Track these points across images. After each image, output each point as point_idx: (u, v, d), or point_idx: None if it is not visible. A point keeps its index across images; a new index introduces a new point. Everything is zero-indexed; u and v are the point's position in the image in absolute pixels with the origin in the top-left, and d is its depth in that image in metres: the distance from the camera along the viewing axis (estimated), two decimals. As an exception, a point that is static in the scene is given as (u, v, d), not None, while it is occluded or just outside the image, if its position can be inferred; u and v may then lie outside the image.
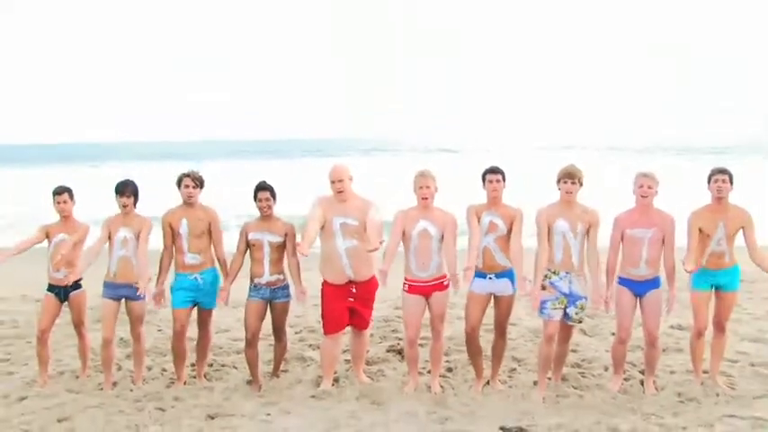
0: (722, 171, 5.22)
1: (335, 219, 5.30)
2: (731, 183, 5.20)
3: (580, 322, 5.37)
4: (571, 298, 5.21)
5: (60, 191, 5.68)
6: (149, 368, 5.98)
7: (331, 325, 5.44)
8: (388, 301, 5.56)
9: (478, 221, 5.27)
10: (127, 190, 5.53)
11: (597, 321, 7.23)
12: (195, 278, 5.54)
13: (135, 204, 5.60)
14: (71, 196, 5.69)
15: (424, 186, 5.25)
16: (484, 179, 5.31)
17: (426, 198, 5.25)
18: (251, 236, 5.51)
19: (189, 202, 5.55)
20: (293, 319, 6.94)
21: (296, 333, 7.01)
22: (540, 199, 5.47)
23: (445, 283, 5.35)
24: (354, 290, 5.40)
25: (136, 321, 5.63)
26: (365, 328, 5.69)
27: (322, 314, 5.50)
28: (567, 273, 5.19)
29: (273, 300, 5.56)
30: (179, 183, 5.56)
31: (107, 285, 5.55)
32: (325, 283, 5.46)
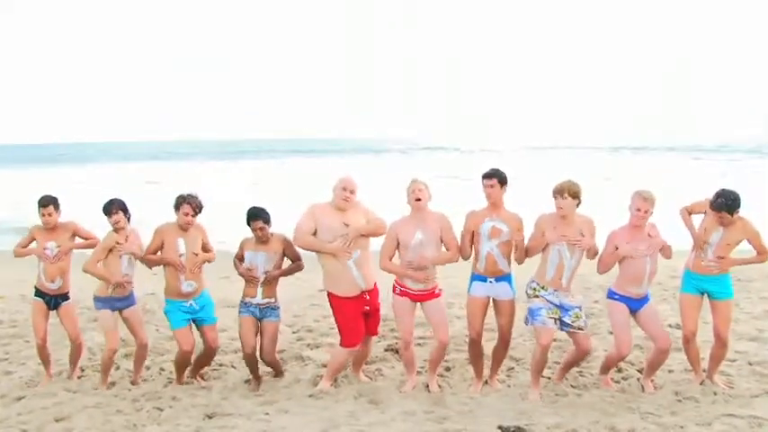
0: (723, 207, 5.07)
1: (338, 231, 5.18)
2: (733, 213, 5.08)
3: (581, 329, 5.23)
4: (563, 308, 5.19)
5: (45, 203, 5.58)
6: (147, 367, 5.99)
7: (352, 338, 5.32)
8: (385, 300, 5.55)
9: (478, 229, 5.23)
10: (113, 207, 5.44)
11: (596, 321, 7.23)
12: (191, 304, 5.51)
13: (129, 220, 5.53)
14: (56, 207, 5.60)
15: (416, 189, 5.20)
16: (482, 179, 5.27)
17: (420, 199, 5.19)
18: (246, 254, 5.51)
19: (185, 229, 5.45)
20: (291, 318, 6.96)
21: (294, 333, 7.00)
22: (536, 199, 5.46)
23: (437, 291, 5.37)
24: (368, 297, 5.38)
25: (137, 327, 5.63)
26: (376, 334, 5.72)
27: (339, 329, 5.37)
28: (555, 290, 5.17)
29: (263, 318, 5.54)
30: (177, 206, 5.40)
31: (101, 300, 5.52)
32: (336, 298, 5.32)
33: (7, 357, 6.48)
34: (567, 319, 5.19)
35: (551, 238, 5.09)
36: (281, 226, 5.60)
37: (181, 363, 5.60)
